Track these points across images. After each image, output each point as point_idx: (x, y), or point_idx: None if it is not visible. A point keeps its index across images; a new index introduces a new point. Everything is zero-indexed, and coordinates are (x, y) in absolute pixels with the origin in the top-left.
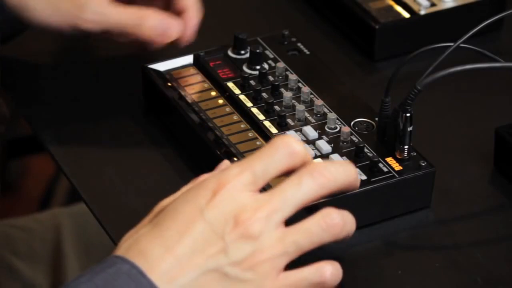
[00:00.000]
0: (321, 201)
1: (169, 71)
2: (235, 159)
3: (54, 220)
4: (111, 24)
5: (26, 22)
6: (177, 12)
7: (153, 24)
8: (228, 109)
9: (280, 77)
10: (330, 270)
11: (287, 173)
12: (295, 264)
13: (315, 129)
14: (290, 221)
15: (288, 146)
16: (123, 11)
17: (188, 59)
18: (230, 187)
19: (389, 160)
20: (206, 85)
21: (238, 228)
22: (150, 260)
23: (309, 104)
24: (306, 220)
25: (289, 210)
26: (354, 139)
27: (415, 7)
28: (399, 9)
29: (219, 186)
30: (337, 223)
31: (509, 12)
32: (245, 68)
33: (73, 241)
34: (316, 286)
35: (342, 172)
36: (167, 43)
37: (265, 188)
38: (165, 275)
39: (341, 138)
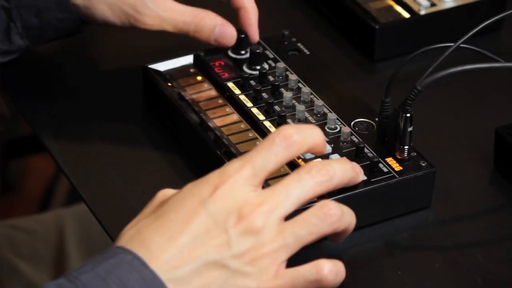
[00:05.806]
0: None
1: (169, 71)
2: None
3: (57, 221)
4: (169, 27)
5: (89, 19)
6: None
7: (211, 26)
8: (228, 109)
9: (280, 77)
10: (328, 267)
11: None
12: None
13: None
14: (289, 219)
15: (285, 139)
16: (180, 13)
17: (188, 59)
18: (232, 181)
19: (389, 160)
20: (206, 85)
21: (241, 222)
22: (152, 250)
23: (309, 104)
24: (304, 212)
25: (290, 206)
26: (354, 139)
27: (415, 7)
28: (399, 9)
29: (221, 180)
30: (335, 213)
31: (509, 12)
32: (245, 68)
33: (76, 241)
34: (314, 283)
35: (339, 170)
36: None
37: (263, 186)
38: (166, 265)
39: (341, 138)
